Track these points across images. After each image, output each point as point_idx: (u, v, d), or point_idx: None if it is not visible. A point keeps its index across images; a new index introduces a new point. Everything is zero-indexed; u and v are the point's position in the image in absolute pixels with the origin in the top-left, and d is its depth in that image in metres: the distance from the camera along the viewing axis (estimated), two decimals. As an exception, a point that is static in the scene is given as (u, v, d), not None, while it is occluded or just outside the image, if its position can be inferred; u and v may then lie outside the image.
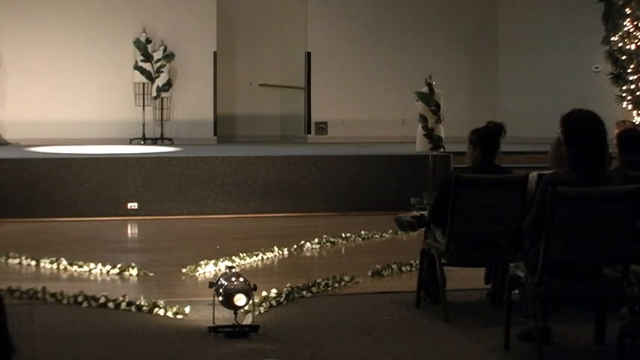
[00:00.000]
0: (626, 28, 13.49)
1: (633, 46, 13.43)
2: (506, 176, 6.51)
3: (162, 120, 14.61)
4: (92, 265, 8.01)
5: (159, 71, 14.39)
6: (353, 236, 9.73)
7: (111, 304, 6.62)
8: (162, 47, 14.39)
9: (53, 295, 6.83)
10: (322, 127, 15.37)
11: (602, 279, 5.43)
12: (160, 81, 14.41)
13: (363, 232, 9.88)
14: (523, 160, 11.90)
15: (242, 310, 5.94)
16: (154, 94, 14.46)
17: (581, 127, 5.29)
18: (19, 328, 5.63)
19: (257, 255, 8.59)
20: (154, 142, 14.43)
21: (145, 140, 14.44)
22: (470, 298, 6.90)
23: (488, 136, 6.53)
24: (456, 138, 11.12)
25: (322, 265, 8.70)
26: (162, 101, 14.58)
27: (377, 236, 9.91)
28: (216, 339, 5.82)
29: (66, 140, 13.64)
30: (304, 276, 7.56)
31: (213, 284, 6.02)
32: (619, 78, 13.68)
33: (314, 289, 7.08)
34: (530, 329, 5.47)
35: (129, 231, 10.84)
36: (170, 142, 14.44)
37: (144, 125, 14.48)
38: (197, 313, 6.38)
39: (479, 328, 6.13)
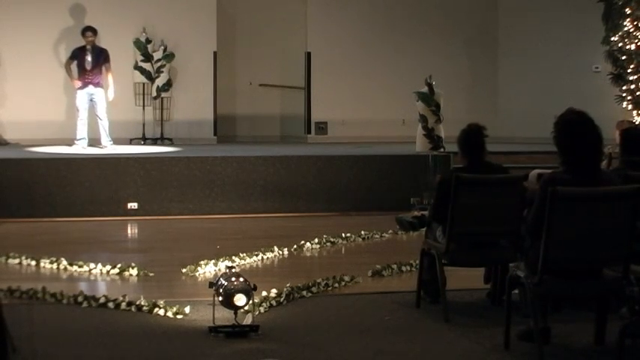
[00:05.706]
0: (626, 28, 13.48)
1: (633, 46, 13.41)
2: (506, 176, 6.52)
3: (162, 120, 14.61)
4: (92, 265, 8.02)
5: (159, 71, 14.39)
6: (353, 236, 9.72)
7: (111, 304, 6.63)
8: (162, 47, 14.39)
9: (53, 295, 6.83)
10: (322, 127, 15.36)
11: (602, 279, 5.43)
12: (160, 81, 14.41)
13: (363, 232, 9.88)
14: (523, 160, 11.90)
15: (242, 310, 5.94)
16: (154, 94, 14.46)
17: (565, 129, 5.29)
18: (19, 328, 5.62)
19: (257, 255, 8.59)
20: (154, 142, 14.43)
21: (145, 140, 14.43)
22: (470, 298, 6.90)
23: (466, 138, 6.56)
24: (456, 138, 11.11)
25: (322, 265, 8.71)
26: (162, 101, 14.57)
27: (377, 236, 9.91)
28: (216, 339, 5.82)
29: (66, 140, 13.63)
30: (304, 276, 7.56)
31: (213, 284, 6.02)
32: (619, 78, 13.66)
33: (314, 289, 7.09)
34: (530, 329, 5.47)
35: (129, 231, 10.84)
36: (170, 142, 14.43)
37: (144, 125, 14.47)
38: (197, 313, 6.39)
39: (479, 328, 6.13)
